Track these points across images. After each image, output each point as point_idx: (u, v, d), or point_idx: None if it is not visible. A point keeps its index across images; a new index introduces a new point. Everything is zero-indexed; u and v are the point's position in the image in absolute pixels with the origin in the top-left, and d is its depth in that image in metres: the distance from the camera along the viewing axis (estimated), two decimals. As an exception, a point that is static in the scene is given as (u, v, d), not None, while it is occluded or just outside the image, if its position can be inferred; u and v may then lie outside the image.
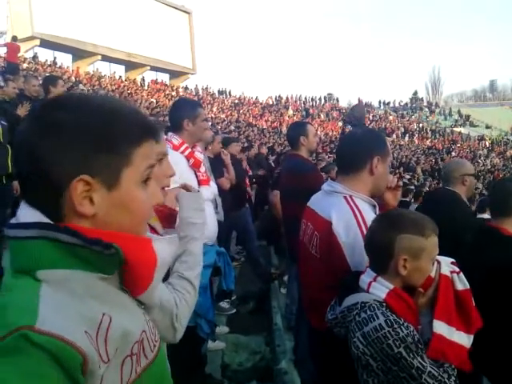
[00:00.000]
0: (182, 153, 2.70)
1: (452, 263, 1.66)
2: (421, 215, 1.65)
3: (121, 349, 0.76)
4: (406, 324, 1.46)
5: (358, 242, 1.78)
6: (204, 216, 1.45)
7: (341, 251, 1.82)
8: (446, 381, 1.45)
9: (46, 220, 0.76)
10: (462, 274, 1.63)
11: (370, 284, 1.59)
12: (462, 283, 1.61)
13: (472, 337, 1.57)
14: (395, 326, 1.44)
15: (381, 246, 1.59)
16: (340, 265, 1.82)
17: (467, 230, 2.55)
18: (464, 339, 1.55)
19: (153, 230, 1.42)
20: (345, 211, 1.86)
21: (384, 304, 1.53)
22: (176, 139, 2.72)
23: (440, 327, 1.52)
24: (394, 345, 1.42)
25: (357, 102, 44.16)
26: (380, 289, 1.56)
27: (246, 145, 11.58)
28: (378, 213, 1.89)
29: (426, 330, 1.54)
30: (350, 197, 1.89)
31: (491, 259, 2.22)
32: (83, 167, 0.75)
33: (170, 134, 2.79)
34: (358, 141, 2.00)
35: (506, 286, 2.14)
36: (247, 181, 6.56)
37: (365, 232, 1.76)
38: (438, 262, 1.62)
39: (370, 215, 1.83)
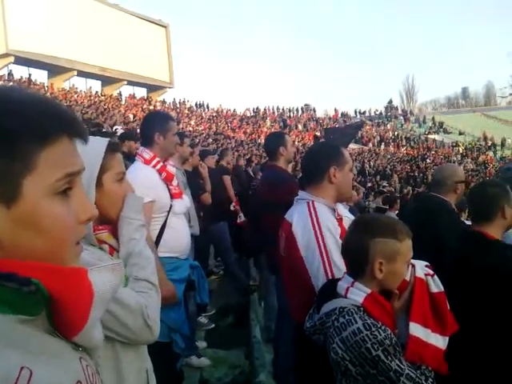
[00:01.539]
0: (154, 167, 2.65)
1: (426, 266, 1.69)
2: (394, 219, 1.68)
3: None
4: (383, 327, 1.48)
5: (311, 244, 1.97)
6: (142, 219, 1.48)
7: (298, 251, 2.01)
8: (424, 383, 1.47)
9: None
10: (436, 276, 1.66)
11: (347, 289, 1.61)
12: (436, 286, 1.64)
13: (447, 339, 1.60)
14: (373, 329, 1.46)
15: (357, 251, 1.62)
16: (299, 265, 2.00)
17: (453, 239, 2.46)
18: (439, 341, 1.57)
19: (111, 248, 1.41)
20: (304, 214, 2.05)
21: (361, 308, 1.54)
22: (147, 153, 2.68)
23: (416, 329, 1.54)
24: (373, 348, 1.43)
25: (333, 112, 44.87)
26: (357, 293, 1.58)
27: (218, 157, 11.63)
28: (337, 217, 2.07)
29: (402, 334, 1.56)
30: (312, 202, 2.08)
31: (478, 263, 2.18)
32: None
33: (141, 148, 2.76)
34: (316, 154, 2.27)
35: (493, 289, 2.10)
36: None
37: (318, 234, 1.95)
38: (413, 266, 1.65)
39: (327, 218, 2.02)
